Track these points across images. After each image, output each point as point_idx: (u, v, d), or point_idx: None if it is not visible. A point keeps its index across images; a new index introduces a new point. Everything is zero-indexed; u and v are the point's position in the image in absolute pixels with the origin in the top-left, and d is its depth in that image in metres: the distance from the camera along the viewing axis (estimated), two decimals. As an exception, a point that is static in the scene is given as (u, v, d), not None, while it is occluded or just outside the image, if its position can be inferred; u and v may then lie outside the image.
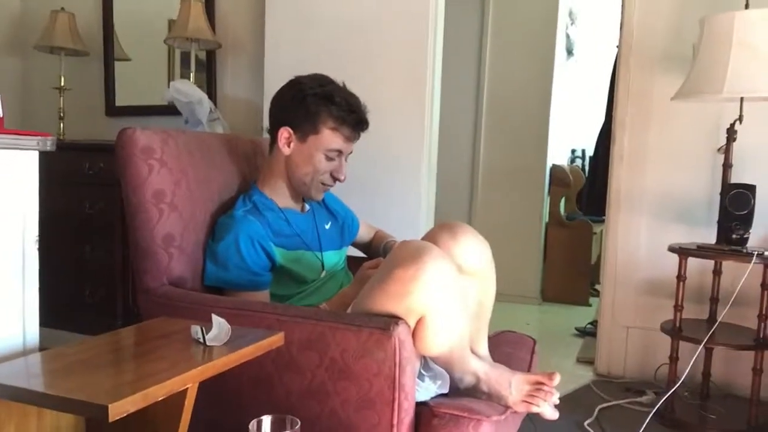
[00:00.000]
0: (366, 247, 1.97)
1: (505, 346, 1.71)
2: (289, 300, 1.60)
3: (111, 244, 2.76)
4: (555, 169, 4.31)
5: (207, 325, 1.13)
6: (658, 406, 2.18)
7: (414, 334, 1.26)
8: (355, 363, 1.24)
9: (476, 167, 4.26)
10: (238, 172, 1.77)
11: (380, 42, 2.57)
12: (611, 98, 3.17)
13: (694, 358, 2.15)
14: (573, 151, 5.08)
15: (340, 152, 1.62)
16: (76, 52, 3.26)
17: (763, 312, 2.11)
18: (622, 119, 2.67)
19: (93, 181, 2.79)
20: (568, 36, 4.47)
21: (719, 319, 2.22)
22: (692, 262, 2.24)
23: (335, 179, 1.65)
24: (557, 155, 4.44)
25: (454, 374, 1.37)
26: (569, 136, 4.78)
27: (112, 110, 3.39)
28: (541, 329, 3.66)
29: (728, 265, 2.31)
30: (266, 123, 1.70)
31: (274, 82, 1.72)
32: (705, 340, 2.10)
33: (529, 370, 1.60)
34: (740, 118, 2.18)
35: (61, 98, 3.29)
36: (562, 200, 4.38)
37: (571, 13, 4.50)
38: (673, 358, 2.23)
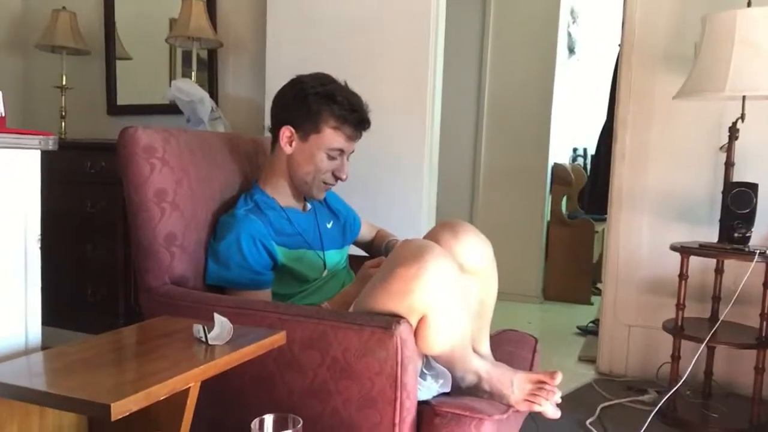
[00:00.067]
0: (368, 246, 1.97)
1: (507, 345, 1.71)
2: (291, 299, 1.60)
3: (113, 243, 2.76)
4: (557, 167, 4.31)
5: (209, 324, 1.13)
6: (660, 404, 2.18)
7: (416, 333, 1.26)
8: (357, 362, 1.24)
9: (478, 166, 4.26)
10: (239, 171, 1.77)
11: (382, 41, 2.57)
12: (613, 97, 3.17)
13: (696, 356, 2.15)
14: (575, 150, 5.07)
15: (341, 151, 1.62)
16: (77, 51, 3.26)
17: (766, 311, 2.11)
18: (623, 117, 2.67)
19: (94, 180, 2.79)
20: (569, 34, 4.46)
21: (721, 318, 2.22)
22: (694, 260, 2.23)
23: (337, 178, 1.65)
24: (559, 154, 4.44)
25: (455, 373, 1.37)
26: (571, 135, 4.78)
27: (114, 109, 3.39)
28: (542, 328, 3.66)
29: (730, 264, 2.31)
30: (268, 122, 1.70)
31: (276, 81, 1.72)
32: (707, 338, 2.10)
33: (530, 369, 1.60)
34: (742, 117, 2.17)
35: (63, 97, 3.30)
36: (564, 199, 4.38)
37: (572, 12, 4.50)
38: (675, 357, 2.23)
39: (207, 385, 1.04)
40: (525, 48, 4.12)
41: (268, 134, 1.71)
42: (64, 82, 3.28)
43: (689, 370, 2.15)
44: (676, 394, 2.21)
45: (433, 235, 1.46)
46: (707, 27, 2.16)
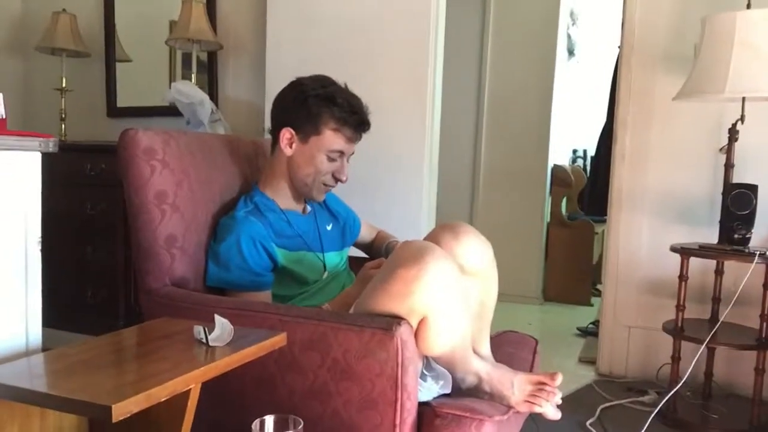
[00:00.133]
0: (368, 247, 1.97)
1: (507, 346, 1.71)
2: (292, 301, 1.60)
3: (113, 245, 2.76)
4: (556, 169, 4.31)
5: (210, 325, 1.13)
6: (660, 405, 2.18)
7: (416, 335, 1.26)
8: (357, 363, 1.24)
9: (477, 167, 4.26)
10: (239, 173, 1.78)
11: (382, 42, 2.57)
12: (613, 98, 3.17)
13: (696, 357, 2.15)
14: (574, 151, 5.08)
15: (341, 153, 1.63)
16: (77, 53, 3.26)
17: (766, 312, 2.11)
18: (623, 119, 2.67)
19: (94, 182, 2.79)
20: (569, 36, 4.47)
21: (721, 319, 2.22)
22: (694, 261, 2.24)
23: (337, 180, 1.65)
24: (558, 155, 4.44)
25: (456, 374, 1.37)
26: (570, 136, 4.78)
27: (114, 111, 3.39)
28: (542, 329, 3.65)
29: (730, 265, 2.31)
30: (268, 124, 1.71)
31: (276, 83, 1.73)
32: (707, 339, 2.10)
33: (531, 370, 1.60)
34: (742, 118, 2.17)
35: (63, 99, 3.30)
36: (564, 200, 4.38)
37: (572, 14, 4.51)
38: (675, 358, 2.23)
39: (208, 387, 1.04)
40: (525, 49, 4.12)
41: (268, 136, 1.71)
42: (64, 85, 3.28)
43: (689, 371, 2.15)
44: (676, 395, 2.21)
45: (433, 237, 1.46)
46: (707, 28, 2.16)
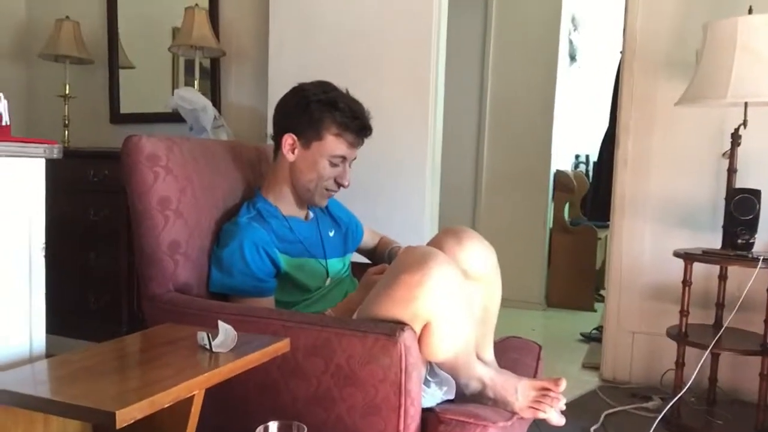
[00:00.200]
0: (370, 253, 1.97)
1: (511, 352, 1.70)
2: (295, 308, 1.59)
3: (116, 251, 2.76)
4: (559, 174, 4.31)
5: (213, 331, 1.13)
6: (664, 411, 2.17)
7: (420, 340, 1.26)
8: (360, 369, 1.23)
9: (480, 172, 4.26)
10: (242, 178, 1.78)
11: (384, 48, 2.58)
12: (615, 103, 3.17)
13: (701, 363, 2.14)
14: (577, 157, 5.08)
15: (344, 158, 1.63)
16: (80, 60, 3.27)
17: (770, 317, 2.10)
18: (626, 124, 2.67)
19: (98, 189, 2.80)
20: (571, 42, 4.48)
21: (725, 325, 2.21)
22: (698, 267, 2.23)
23: (339, 185, 1.66)
24: (561, 161, 4.44)
25: (459, 380, 1.37)
26: (573, 142, 4.78)
27: (117, 118, 3.40)
28: (546, 335, 3.64)
29: (734, 270, 2.30)
30: (270, 130, 1.71)
31: (278, 89, 1.73)
32: (711, 345, 2.10)
33: (535, 375, 1.60)
34: (744, 123, 2.17)
35: (66, 106, 3.30)
36: (566, 205, 4.38)
37: (573, 19, 4.51)
38: (680, 364, 2.22)
39: (211, 393, 1.04)
40: (526, 55, 4.13)
41: (270, 142, 1.72)
42: (67, 91, 3.29)
43: (693, 376, 2.15)
44: (681, 401, 2.20)
45: (436, 242, 1.46)
46: (709, 34, 2.17)
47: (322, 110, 1.58)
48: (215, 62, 3.13)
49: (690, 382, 2.15)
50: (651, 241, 2.64)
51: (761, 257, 2.02)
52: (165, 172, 1.49)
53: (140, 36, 3.36)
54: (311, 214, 1.75)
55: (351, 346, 1.24)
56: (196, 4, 2.93)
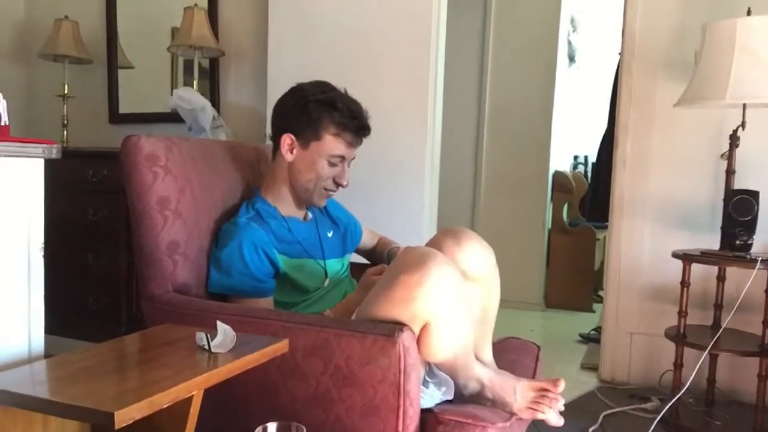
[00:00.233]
0: (369, 253, 1.97)
1: (510, 353, 1.71)
2: (294, 308, 1.59)
3: (115, 251, 2.76)
4: (558, 175, 4.31)
5: (212, 332, 1.13)
6: (663, 412, 2.17)
7: (418, 341, 1.26)
8: (359, 370, 1.23)
9: (479, 173, 4.26)
10: (241, 178, 1.78)
11: (383, 48, 2.58)
12: (613, 104, 3.17)
13: (699, 364, 2.14)
14: (575, 158, 5.08)
15: (342, 158, 1.63)
16: (79, 60, 3.27)
17: (768, 318, 2.11)
18: (624, 125, 2.67)
19: (96, 189, 2.79)
20: (570, 43, 4.48)
21: (724, 326, 2.21)
22: (696, 268, 2.23)
23: (338, 185, 1.66)
24: (560, 161, 4.44)
25: (458, 381, 1.37)
26: (571, 143, 4.79)
27: (116, 118, 3.40)
28: (544, 336, 3.64)
29: (732, 271, 2.30)
30: (269, 130, 1.71)
31: (277, 89, 1.73)
32: (710, 346, 2.10)
33: (533, 376, 1.60)
34: (743, 124, 2.18)
35: (65, 106, 3.30)
36: (565, 206, 4.38)
37: (572, 20, 4.52)
38: (678, 365, 2.22)
39: (210, 393, 1.04)
40: (525, 56, 4.13)
41: (269, 142, 1.72)
42: (66, 91, 3.29)
43: (692, 377, 2.15)
44: (679, 401, 2.20)
45: (435, 243, 1.46)
46: (707, 35, 2.17)
47: (321, 110, 1.58)
48: (214, 62, 3.13)
49: (688, 383, 2.15)
50: (650, 242, 2.64)
51: (759, 258, 2.03)
52: (164, 172, 1.49)
53: (139, 36, 3.35)
54: (310, 215, 1.75)
55: (350, 346, 1.24)
56: (195, 4, 2.93)
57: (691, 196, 2.56)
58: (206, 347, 1.11)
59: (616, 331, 2.73)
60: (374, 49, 2.59)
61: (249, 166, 1.83)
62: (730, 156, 2.22)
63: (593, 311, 4.11)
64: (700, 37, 2.22)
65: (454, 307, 1.27)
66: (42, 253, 1.25)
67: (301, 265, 1.62)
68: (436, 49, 2.54)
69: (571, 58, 4.56)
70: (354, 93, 1.67)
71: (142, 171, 1.46)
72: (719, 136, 2.44)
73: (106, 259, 2.79)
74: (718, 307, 2.34)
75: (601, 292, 4.01)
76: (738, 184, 2.25)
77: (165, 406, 0.92)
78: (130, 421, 0.86)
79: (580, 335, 3.45)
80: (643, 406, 2.38)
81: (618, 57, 2.83)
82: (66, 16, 3.22)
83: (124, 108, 3.39)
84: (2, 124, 1.22)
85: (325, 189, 1.65)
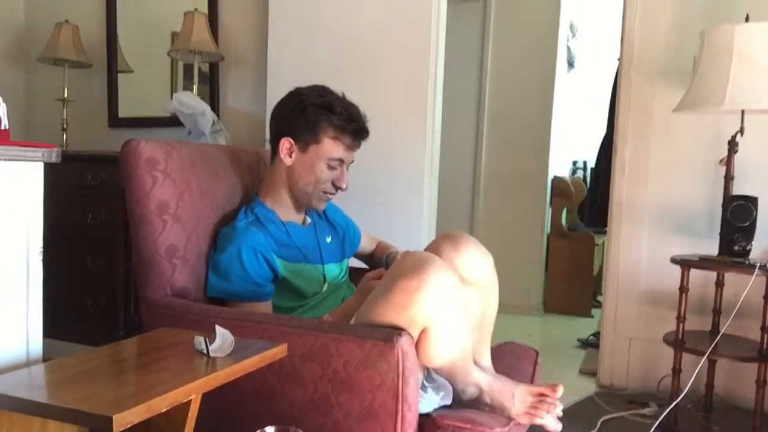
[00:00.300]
0: (368, 258, 1.97)
1: (508, 358, 1.71)
2: (292, 313, 1.59)
3: (113, 255, 2.76)
4: (556, 180, 4.32)
5: (210, 336, 1.13)
6: (661, 418, 2.17)
7: (417, 346, 1.26)
8: (357, 374, 1.23)
9: (478, 178, 4.27)
10: (240, 183, 1.78)
11: (382, 52, 2.58)
12: (612, 110, 3.18)
13: (697, 369, 2.14)
14: (574, 163, 5.08)
15: (341, 161, 1.63)
16: (79, 64, 3.28)
17: (766, 324, 2.10)
18: (623, 131, 2.68)
19: (95, 193, 2.79)
20: (569, 48, 4.49)
21: (722, 331, 2.21)
22: (694, 273, 2.23)
23: (337, 188, 1.66)
24: (559, 167, 4.45)
25: (456, 385, 1.37)
26: (570, 148, 4.79)
27: (115, 122, 3.40)
28: (543, 341, 3.64)
29: (731, 277, 2.30)
30: (268, 135, 1.71)
31: (277, 93, 1.74)
32: (708, 351, 2.10)
33: (532, 381, 1.60)
34: (741, 130, 2.18)
35: (65, 110, 3.31)
36: (564, 211, 4.39)
37: (571, 26, 4.53)
38: (676, 370, 2.22)
39: (208, 398, 1.04)
40: (525, 62, 4.14)
41: (269, 147, 1.72)
42: (65, 95, 3.29)
43: (690, 383, 2.15)
44: (677, 407, 2.20)
45: (434, 247, 1.46)
46: (706, 41, 2.18)
47: (319, 113, 1.59)
48: (214, 67, 3.13)
49: (687, 388, 2.15)
50: (648, 248, 2.64)
51: (758, 264, 2.03)
52: (163, 177, 1.49)
53: (139, 40, 3.36)
54: (309, 220, 1.75)
55: (348, 351, 1.24)
56: (196, 9, 2.94)
57: (689, 201, 2.57)
58: (204, 351, 1.11)
59: (614, 336, 2.73)
60: (374, 55, 2.60)
61: (248, 171, 1.83)
62: (728, 162, 2.22)
63: (592, 316, 4.11)
64: (699, 43, 2.23)
65: (452, 312, 1.27)
66: (41, 257, 1.25)
67: (300, 269, 1.62)
68: (435, 54, 2.55)
69: (570, 64, 4.57)
70: (353, 98, 1.67)
71: (141, 175, 1.47)
72: (718, 142, 2.44)
73: (104, 262, 2.79)
74: (717, 312, 2.34)
75: (599, 298, 4.01)
76: (736, 189, 2.25)
77: (163, 410, 0.92)
78: (128, 425, 0.86)
79: (579, 340, 3.45)
80: (641, 411, 2.38)
81: (617, 63, 2.84)
82: (66, 20, 3.23)
83: (123, 112, 3.39)
84: (2, 128, 1.23)
85: (324, 192, 1.66)
